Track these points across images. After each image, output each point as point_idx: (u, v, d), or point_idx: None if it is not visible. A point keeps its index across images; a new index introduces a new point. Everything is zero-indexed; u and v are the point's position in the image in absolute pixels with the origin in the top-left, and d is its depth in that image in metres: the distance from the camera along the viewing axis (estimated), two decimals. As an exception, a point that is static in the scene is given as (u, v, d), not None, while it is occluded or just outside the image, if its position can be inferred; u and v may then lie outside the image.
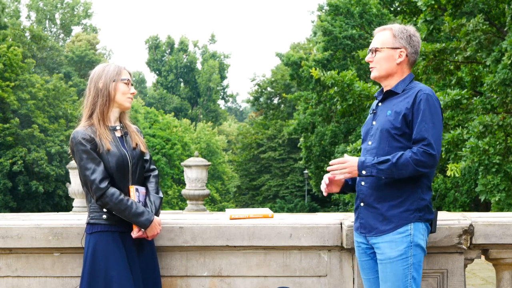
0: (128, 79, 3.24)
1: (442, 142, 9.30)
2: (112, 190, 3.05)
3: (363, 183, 3.02)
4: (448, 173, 9.26)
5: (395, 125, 2.90)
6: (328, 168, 3.01)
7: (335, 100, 12.84)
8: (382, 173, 2.86)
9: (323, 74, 12.00)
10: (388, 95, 3.05)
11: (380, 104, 3.08)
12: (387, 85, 3.07)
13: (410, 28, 3.05)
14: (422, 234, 2.92)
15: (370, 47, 3.10)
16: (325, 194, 3.16)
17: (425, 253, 2.98)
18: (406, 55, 3.00)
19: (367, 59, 3.11)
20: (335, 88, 11.78)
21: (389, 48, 3.01)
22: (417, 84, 3.00)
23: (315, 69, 12.32)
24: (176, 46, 60.94)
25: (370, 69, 3.12)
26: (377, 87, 12.01)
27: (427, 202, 2.94)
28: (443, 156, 9.76)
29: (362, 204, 3.03)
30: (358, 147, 10.86)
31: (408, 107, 2.89)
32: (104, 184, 3.04)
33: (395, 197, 2.91)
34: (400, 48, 3.00)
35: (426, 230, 2.97)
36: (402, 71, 3.03)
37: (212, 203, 44.27)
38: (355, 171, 2.93)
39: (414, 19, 13.71)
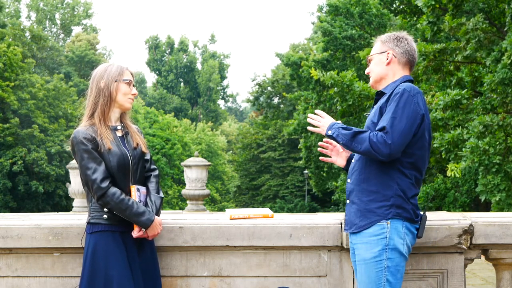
0: (130, 80, 3.23)
1: (442, 142, 9.35)
2: (113, 189, 3.05)
3: (349, 180, 3.08)
4: (448, 173, 9.25)
5: (373, 120, 2.98)
6: (309, 114, 3.14)
7: (335, 100, 12.84)
8: (341, 137, 2.95)
9: (323, 74, 12.00)
10: (380, 96, 3.12)
11: (374, 105, 3.15)
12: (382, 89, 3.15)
13: (399, 33, 3.15)
14: (401, 238, 2.90)
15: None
16: (321, 158, 3.33)
17: (405, 258, 2.94)
18: (394, 56, 3.08)
19: (366, 72, 3.23)
20: (335, 88, 11.79)
21: (377, 54, 3.13)
22: (405, 84, 3.01)
23: (315, 70, 12.32)
24: (176, 46, 60.92)
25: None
26: (377, 87, 11.98)
27: (409, 201, 2.92)
28: (443, 156, 9.76)
29: (348, 201, 3.09)
30: None
31: (384, 101, 2.96)
32: (105, 184, 3.03)
33: (372, 193, 2.93)
34: (386, 51, 3.10)
35: (410, 235, 2.94)
36: (393, 73, 3.10)
37: (212, 203, 44.27)
38: (324, 129, 3.06)
39: (415, 19, 13.72)
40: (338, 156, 3.32)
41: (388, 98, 2.95)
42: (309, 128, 3.19)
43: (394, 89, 2.98)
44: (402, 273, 2.94)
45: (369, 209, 2.92)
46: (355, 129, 2.93)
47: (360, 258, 2.95)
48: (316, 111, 3.13)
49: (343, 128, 2.96)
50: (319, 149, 3.29)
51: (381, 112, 2.95)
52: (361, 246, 2.94)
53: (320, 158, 3.37)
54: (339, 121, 3.09)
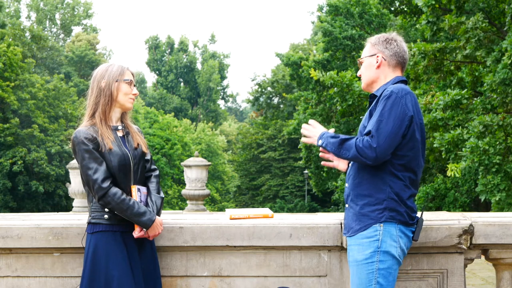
0: (130, 80, 3.23)
1: (442, 142, 9.34)
2: (114, 189, 3.05)
3: (346, 184, 3.09)
4: (448, 173, 9.25)
5: (364, 124, 3.00)
6: (303, 125, 3.17)
7: (335, 100, 12.84)
8: (330, 146, 2.98)
9: (322, 75, 11.99)
10: (373, 99, 3.11)
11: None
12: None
13: (389, 34, 3.14)
14: (394, 241, 2.89)
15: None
16: (323, 163, 3.31)
17: (398, 261, 2.93)
18: (384, 58, 3.07)
19: (358, 74, 3.21)
20: (335, 88, 11.78)
21: (367, 57, 3.12)
22: (395, 85, 2.99)
23: (314, 70, 12.31)
24: (176, 46, 60.92)
25: None
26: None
27: (403, 203, 2.91)
28: (443, 156, 9.76)
29: (346, 205, 3.09)
30: None
31: (374, 105, 2.98)
32: (106, 184, 3.03)
33: (366, 196, 2.94)
34: (375, 54, 3.09)
35: (404, 238, 2.94)
36: (384, 75, 3.08)
37: (212, 203, 44.26)
38: (315, 139, 3.09)
39: (415, 19, 13.72)
40: (339, 160, 3.29)
41: (377, 101, 2.95)
42: (303, 139, 3.21)
43: (384, 91, 2.99)
44: (394, 276, 2.93)
45: (363, 213, 2.93)
46: (342, 136, 2.96)
47: (352, 260, 2.97)
48: (310, 121, 3.16)
49: (332, 137, 2.99)
50: (320, 154, 3.26)
51: (371, 116, 2.96)
52: (353, 247, 2.96)
53: (322, 163, 3.35)
54: (332, 130, 3.10)
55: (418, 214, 3.06)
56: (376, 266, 2.88)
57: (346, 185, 3.08)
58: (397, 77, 3.07)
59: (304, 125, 3.16)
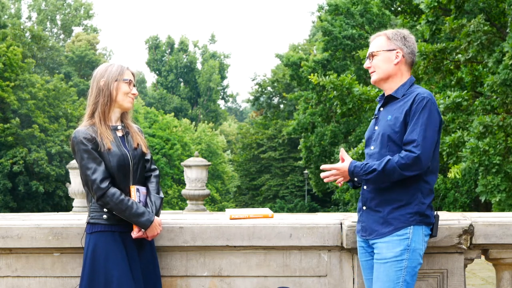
0: (130, 80, 3.22)
1: (443, 146, 9.32)
2: (113, 190, 3.05)
3: (365, 187, 3.05)
4: (452, 175, 9.24)
5: (395, 130, 2.94)
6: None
7: (334, 104, 12.81)
8: (370, 182, 2.94)
9: (322, 79, 11.94)
10: (389, 100, 3.07)
11: (382, 109, 3.11)
12: (388, 89, 3.09)
13: (404, 30, 3.11)
14: (422, 239, 2.94)
15: (367, 53, 3.14)
16: (339, 183, 3.16)
17: (422, 259, 2.98)
18: (403, 56, 3.04)
19: (365, 66, 3.15)
20: (334, 92, 11.73)
21: (385, 51, 3.05)
22: (417, 88, 3.02)
23: (314, 75, 12.26)
24: (176, 46, 60.91)
25: (370, 75, 3.14)
26: (377, 89, 12.01)
27: (428, 205, 2.96)
28: (444, 159, 9.75)
29: (364, 207, 3.06)
30: (360, 151, 10.86)
31: (407, 111, 2.93)
32: (105, 184, 3.03)
33: (396, 201, 2.93)
34: (395, 49, 3.04)
35: (427, 236, 2.99)
36: (401, 73, 3.05)
37: (212, 203, 44.24)
38: (347, 177, 3.03)
39: (415, 19, 13.71)
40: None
41: (410, 107, 2.91)
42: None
43: (406, 94, 2.98)
44: (417, 274, 2.98)
45: (392, 217, 2.93)
46: (376, 166, 2.88)
47: (380, 257, 2.95)
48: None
49: (366, 173, 2.90)
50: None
51: (404, 123, 2.92)
52: (382, 245, 2.95)
53: (338, 184, 3.19)
54: (341, 149, 3.07)
55: None
56: (405, 264, 2.90)
57: (365, 187, 3.05)
58: (412, 78, 3.07)
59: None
